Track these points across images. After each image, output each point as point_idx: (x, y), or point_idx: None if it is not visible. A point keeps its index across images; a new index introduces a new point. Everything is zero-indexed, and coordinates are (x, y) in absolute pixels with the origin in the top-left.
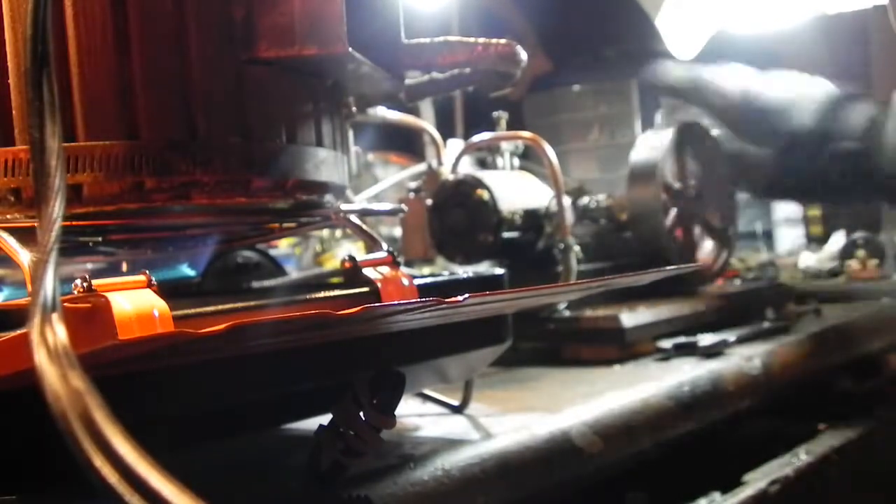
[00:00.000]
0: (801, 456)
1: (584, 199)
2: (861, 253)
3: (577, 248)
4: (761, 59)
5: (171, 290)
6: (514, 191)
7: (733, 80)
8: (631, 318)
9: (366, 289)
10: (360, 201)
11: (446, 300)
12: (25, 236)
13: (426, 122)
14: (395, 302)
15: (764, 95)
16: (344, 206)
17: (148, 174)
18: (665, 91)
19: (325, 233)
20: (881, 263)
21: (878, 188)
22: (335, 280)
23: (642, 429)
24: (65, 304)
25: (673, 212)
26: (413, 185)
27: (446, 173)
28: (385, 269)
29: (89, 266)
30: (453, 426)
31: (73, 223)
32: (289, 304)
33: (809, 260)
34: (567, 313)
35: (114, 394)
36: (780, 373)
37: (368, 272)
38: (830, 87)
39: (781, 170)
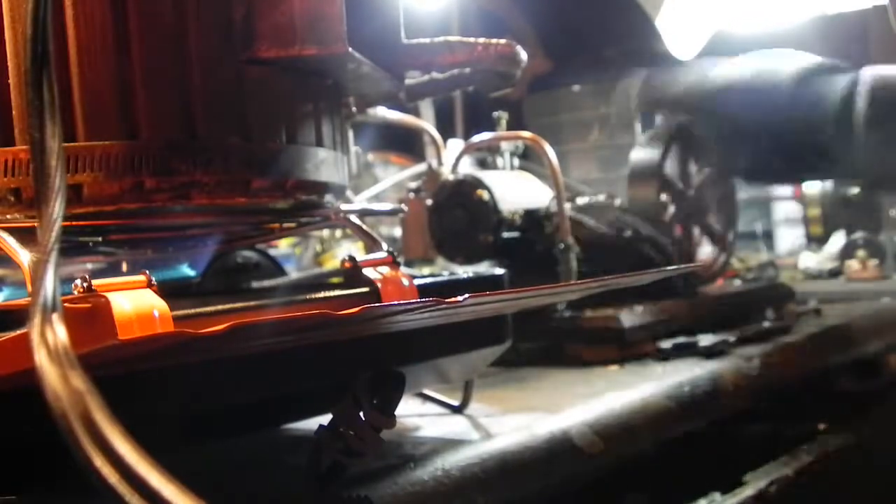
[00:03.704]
0: (801, 456)
1: (584, 199)
2: (861, 253)
3: (577, 248)
4: None
5: (171, 290)
6: (514, 191)
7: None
8: (631, 318)
9: (366, 289)
10: (360, 201)
11: (446, 300)
12: (25, 236)
13: (426, 122)
14: (395, 302)
15: (731, 78)
16: (344, 206)
17: (148, 174)
18: (668, 104)
19: (325, 233)
20: (881, 263)
21: (852, 173)
22: (335, 280)
23: (642, 429)
24: (65, 304)
25: (673, 212)
26: (413, 185)
27: (446, 173)
28: (385, 269)
29: (89, 266)
30: (453, 426)
31: (73, 223)
32: (289, 305)
33: (809, 260)
34: (567, 313)
35: (114, 394)
36: (780, 373)
37: (368, 272)
38: (803, 61)
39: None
